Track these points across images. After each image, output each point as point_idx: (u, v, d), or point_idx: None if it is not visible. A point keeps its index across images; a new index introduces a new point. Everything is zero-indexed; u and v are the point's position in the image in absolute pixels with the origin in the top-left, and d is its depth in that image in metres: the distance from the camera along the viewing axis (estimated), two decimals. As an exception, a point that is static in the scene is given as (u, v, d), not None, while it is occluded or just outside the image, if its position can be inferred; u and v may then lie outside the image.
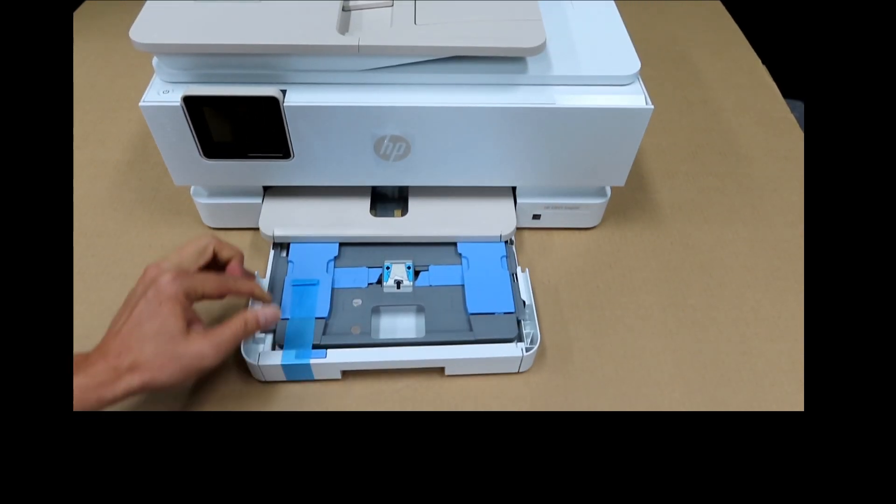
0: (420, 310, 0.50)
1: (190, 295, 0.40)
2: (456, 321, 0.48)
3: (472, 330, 0.47)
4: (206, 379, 0.47)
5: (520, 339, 0.47)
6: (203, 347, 0.39)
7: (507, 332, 0.47)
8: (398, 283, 0.50)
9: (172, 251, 0.43)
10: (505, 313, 0.48)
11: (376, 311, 0.50)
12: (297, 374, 0.46)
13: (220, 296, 0.43)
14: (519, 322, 0.48)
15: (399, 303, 0.50)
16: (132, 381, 0.37)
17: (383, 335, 0.49)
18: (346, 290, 0.50)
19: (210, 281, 0.42)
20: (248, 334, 0.42)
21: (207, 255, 0.44)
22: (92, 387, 0.36)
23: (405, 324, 0.50)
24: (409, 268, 0.51)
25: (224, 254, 0.45)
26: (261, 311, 0.43)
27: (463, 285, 0.50)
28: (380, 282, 0.51)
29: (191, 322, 0.40)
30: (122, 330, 0.38)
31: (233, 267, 0.46)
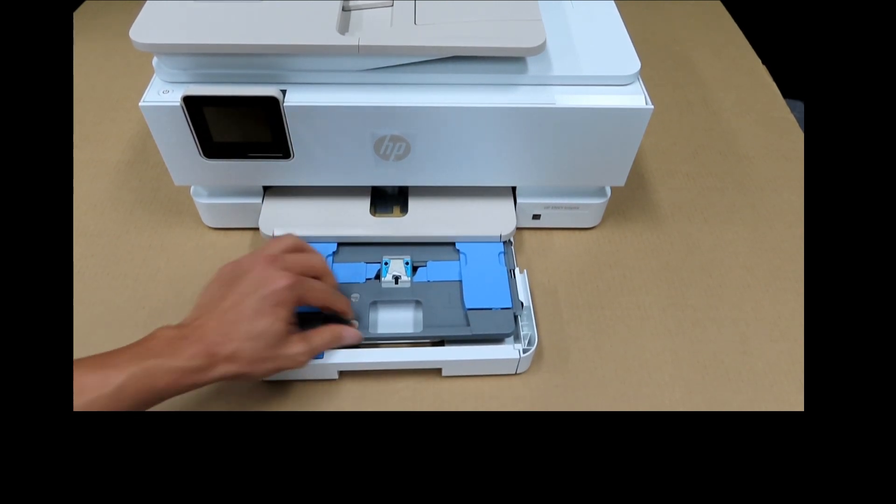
0: (418, 305, 0.50)
1: (299, 302, 0.42)
2: (453, 316, 0.48)
3: (469, 325, 0.47)
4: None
5: (517, 338, 0.47)
6: (299, 351, 0.42)
7: (504, 328, 0.47)
8: (396, 279, 0.50)
9: (272, 242, 0.44)
10: (502, 308, 0.48)
11: (374, 305, 0.50)
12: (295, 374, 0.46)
13: (320, 307, 0.44)
14: (516, 317, 0.48)
15: (397, 298, 0.50)
16: (226, 370, 0.38)
17: (381, 330, 0.49)
18: (344, 285, 0.50)
19: (318, 293, 0.43)
20: (333, 346, 0.45)
21: (314, 274, 0.44)
22: (188, 371, 0.37)
23: (403, 318, 0.50)
24: (406, 263, 0.51)
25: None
26: (350, 331, 0.45)
27: (461, 281, 0.50)
28: (378, 277, 0.51)
29: (289, 323, 0.41)
30: (226, 318, 0.39)
31: (333, 284, 0.46)
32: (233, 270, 0.42)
